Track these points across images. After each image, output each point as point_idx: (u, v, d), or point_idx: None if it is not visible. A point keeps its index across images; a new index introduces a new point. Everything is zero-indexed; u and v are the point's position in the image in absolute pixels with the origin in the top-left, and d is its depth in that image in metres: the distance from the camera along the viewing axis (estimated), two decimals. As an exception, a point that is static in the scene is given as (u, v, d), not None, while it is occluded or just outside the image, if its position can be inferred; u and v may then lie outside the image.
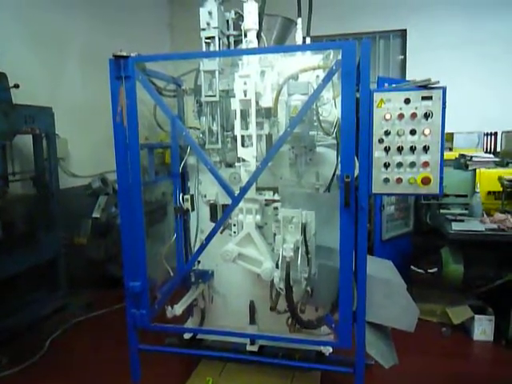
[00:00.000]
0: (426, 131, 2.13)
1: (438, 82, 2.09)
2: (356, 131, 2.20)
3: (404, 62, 7.00)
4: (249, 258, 2.65)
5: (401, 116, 2.16)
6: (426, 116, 2.12)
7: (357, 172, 2.26)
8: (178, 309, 2.86)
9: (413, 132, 2.15)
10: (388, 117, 2.17)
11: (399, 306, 2.58)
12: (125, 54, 2.42)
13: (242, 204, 2.63)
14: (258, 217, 2.67)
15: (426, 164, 2.16)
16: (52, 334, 4.03)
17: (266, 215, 2.75)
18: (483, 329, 3.82)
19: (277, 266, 2.51)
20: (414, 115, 2.14)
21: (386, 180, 2.21)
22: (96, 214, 4.93)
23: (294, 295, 2.54)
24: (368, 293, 2.36)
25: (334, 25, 6.70)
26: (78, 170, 5.34)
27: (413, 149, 2.16)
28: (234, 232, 2.75)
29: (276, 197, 2.65)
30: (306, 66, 2.62)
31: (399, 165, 2.19)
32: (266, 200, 2.69)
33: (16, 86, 3.90)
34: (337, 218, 2.31)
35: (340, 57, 2.19)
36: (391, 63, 7.17)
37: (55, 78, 5.08)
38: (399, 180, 2.20)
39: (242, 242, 2.67)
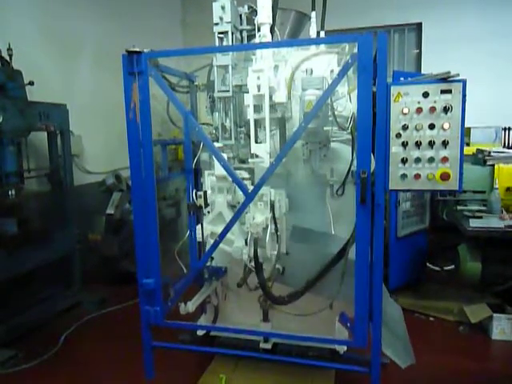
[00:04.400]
0: (446, 125, 2.07)
1: (458, 74, 2.03)
2: (372, 126, 2.15)
3: (419, 55, 6.88)
4: None
5: (419, 110, 2.10)
6: (446, 110, 2.05)
7: (373, 168, 2.22)
8: (192, 306, 2.85)
9: (431, 126, 2.09)
10: (406, 111, 2.11)
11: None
12: (138, 49, 2.40)
13: (214, 183, 2.73)
14: (230, 196, 2.71)
15: (445, 159, 2.10)
16: (66, 329, 4.06)
17: (238, 194, 2.74)
18: (502, 328, 3.74)
19: (246, 244, 2.57)
20: (432, 109, 2.08)
21: (404, 176, 2.15)
22: (110, 211, 4.95)
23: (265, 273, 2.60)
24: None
25: (348, 19, 6.61)
26: (92, 166, 5.37)
27: (431, 144, 2.10)
28: (209, 212, 2.80)
29: (246, 175, 2.69)
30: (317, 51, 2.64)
31: (417, 160, 2.13)
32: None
33: (31, 83, 3.92)
34: (314, 199, 2.45)
35: (356, 50, 2.14)
36: (406, 57, 7.06)
37: (69, 75, 5.10)
38: (417, 176, 2.14)
39: (214, 220, 2.74)
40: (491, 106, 6.10)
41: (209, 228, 2.73)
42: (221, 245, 2.65)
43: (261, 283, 2.59)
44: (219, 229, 2.64)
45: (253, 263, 2.56)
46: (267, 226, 2.52)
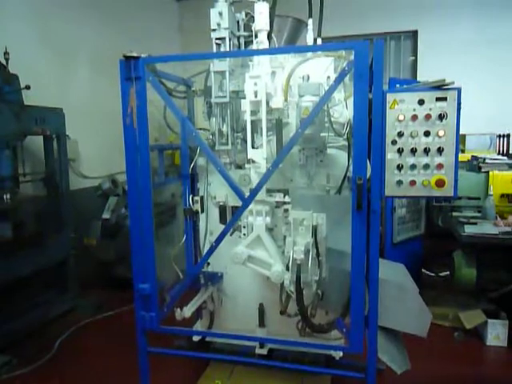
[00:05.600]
0: (441, 133, 2.09)
1: (453, 82, 2.05)
2: (368, 132, 2.16)
3: (415, 63, 6.94)
4: (259, 260, 2.62)
5: (414, 117, 2.12)
6: (441, 117, 2.08)
7: (369, 174, 2.23)
8: (188, 311, 2.84)
9: (427, 133, 2.11)
10: (401, 118, 2.13)
11: (412, 310, 2.54)
12: (135, 54, 2.41)
13: (251, 206, 2.60)
14: (268, 219, 2.64)
15: (440, 166, 2.12)
16: (61, 335, 4.04)
17: (276, 217, 2.72)
18: (496, 334, 3.76)
19: (287, 269, 2.47)
20: (428, 116, 2.10)
21: (400, 182, 2.17)
22: (106, 215, 4.93)
23: (305, 298, 2.50)
24: (380, 297, 2.32)
25: (345, 26, 6.65)
26: (88, 171, 5.36)
27: (427, 150, 2.12)
28: (244, 234, 2.72)
29: (286, 199, 2.62)
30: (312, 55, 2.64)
31: (413, 167, 2.15)
32: (276, 202, 2.66)
33: (27, 87, 3.92)
34: (348, 220, 2.27)
35: (352, 57, 2.16)
36: (402, 64, 7.11)
37: (66, 80, 5.10)
38: (413, 182, 2.16)
39: (251, 244, 2.64)
40: (486, 114, 6.15)
41: (246, 252, 2.61)
42: (258, 268, 2.61)
43: (301, 310, 2.52)
44: (257, 252, 2.61)
45: (292, 288, 2.48)
46: (308, 251, 2.44)
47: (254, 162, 2.60)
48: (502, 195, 4.28)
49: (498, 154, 5.58)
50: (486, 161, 4.40)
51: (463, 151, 5.36)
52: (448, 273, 4.60)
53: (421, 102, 2.11)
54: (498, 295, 3.85)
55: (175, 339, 3.37)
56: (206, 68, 2.85)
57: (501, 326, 3.75)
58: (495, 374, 3.45)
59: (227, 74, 2.70)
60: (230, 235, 2.73)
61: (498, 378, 3.39)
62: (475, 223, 3.95)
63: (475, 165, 4.47)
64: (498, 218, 4.02)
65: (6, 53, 3.85)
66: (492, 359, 3.69)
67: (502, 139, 5.82)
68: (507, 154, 5.54)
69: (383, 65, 2.13)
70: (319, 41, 3.07)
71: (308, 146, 2.74)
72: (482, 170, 4.37)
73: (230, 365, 3.09)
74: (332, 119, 2.61)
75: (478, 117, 5.72)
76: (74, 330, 4.18)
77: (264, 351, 2.98)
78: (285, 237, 2.57)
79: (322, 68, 2.70)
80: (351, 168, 2.30)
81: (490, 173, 4.32)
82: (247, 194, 2.55)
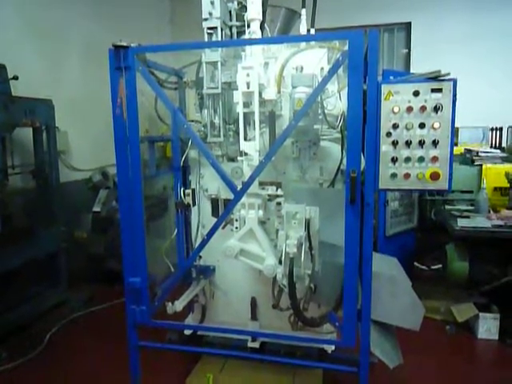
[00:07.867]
0: (436, 125, 2.06)
1: (449, 73, 2.02)
2: (362, 125, 2.13)
3: (408, 55, 6.92)
4: (251, 253, 2.59)
5: (409, 109, 2.08)
6: (436, 109, 2.05)
7: (362, 167, 2.20)
8: (179, 305, 2.82)
9: (422, 125, 2.08)
10: (396, 110, 2.09)
11: (404, 304, 2.53)
12: (125, 44, 2.35)
13: (244, 199, 2.56)
14: (261, 212, 2.60)
15: (435, 159, 2.09)
16: (51, 328, 4.00)
17: (269, 210, 2.69)
18: (488, 327, 3.77)
19: (280, 262, 2.46)
20: (423, 108, 2.07)
21: (394, 175, 2.14)
22: (96, 208, 4.88)
23: (297, 292, 2.48)
24: (373, 290, 2.30)
25: (338, 17, 6.59)
26: (79, 163, 5.30)
27: (422, 143, 2.09)
28: (236, 227, 2.68)
29: (279, 192, 2.59)
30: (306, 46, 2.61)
31: (407, 159, 2.12)
32: (268, 195, 2.63)
33: (15, 78, 3.83)
34: (341, 213, 2.25)
35: (346, 48, 2.12)
36: (395, 57, 7.09)
37: (55, 70, 5.02)
38: (407, 175, 2.13)
39: (244, 237, 2.61)
40: (479, 106, 6.14)
41: (238, 245, 2.58)
42: (250, 261, 2.58)
43: (293, 305, 2.49)
44: (249, 246, 2.58)
45: (285, 282, 2.44)
46: (301, 245, 2.41)
47: (246, 154, 2.56)
48: (495, 188, 4.29)
49: (491, 147, 5.60)
50: (479, 154, 4.40)
51: (456, 144, 5.36)
52: (440, 266, 4.62)
53: (416, 94, 2.07)
54: (490, 289, 3.86)
55: (166, 333, 3.35)
56: (198, 59, 2.80)
57: (492, 320, 3.76)
58: (486, 367, 3.47)
59: (219, 64, 2.65)
60: (222, 228, 2.70)
61: (489, 370, 3.41)
62: (468, 216, 3.95)
63: (468, 158, 4.48)
64: (491, 212, 4.03)
65: (-8, 42, 3.78)
66: (483, 352, 3.71)
67: (494, 132, 5.83)
68: (500, 147, 5.56)
69: (378, 55, 2.10)
70: (312, 32, 3.04)
71: (301, 138, 2.71)
72: (475, 163, 4.38)
73: (222, 358, 3.07)
74: (325, 111, 2.57)
75: (471, 110, 5.71)
76: (65, 323, 4.14)
77: (256, 345, 2.96)
78: (277, 230, 2.54)
79: (315, 59, 2.66)
80: (345, 161, 2.27)
81: (483, 166, 4.33)
82: (239, 186, 2.51)
